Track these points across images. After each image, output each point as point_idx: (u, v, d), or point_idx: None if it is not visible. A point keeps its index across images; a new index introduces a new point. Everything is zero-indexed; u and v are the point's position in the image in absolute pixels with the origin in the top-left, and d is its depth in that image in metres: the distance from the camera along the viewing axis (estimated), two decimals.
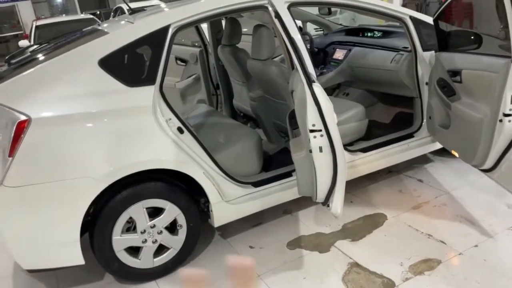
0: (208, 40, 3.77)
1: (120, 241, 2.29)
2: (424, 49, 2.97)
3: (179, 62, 4.24)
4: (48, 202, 2.08)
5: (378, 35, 3.65)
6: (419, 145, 3.14)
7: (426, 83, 3.01)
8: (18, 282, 2.58)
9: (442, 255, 2.39)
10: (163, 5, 2.93)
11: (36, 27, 8.11)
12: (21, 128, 1.99)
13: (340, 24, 4.50)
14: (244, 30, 3.27)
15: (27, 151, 2.01)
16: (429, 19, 2.97)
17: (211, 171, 2.42)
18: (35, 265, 2.20)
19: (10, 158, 1.99)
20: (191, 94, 4.16)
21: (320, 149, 2.07)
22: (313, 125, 2.05)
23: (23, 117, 2.00)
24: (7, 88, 2.08)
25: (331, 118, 2.05)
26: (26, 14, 16.82)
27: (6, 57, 2.60)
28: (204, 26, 3.89)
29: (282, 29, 2.19)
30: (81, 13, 15.95)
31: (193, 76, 4.02)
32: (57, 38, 2.91)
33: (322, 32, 4.56)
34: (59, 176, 2.06)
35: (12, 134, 1.98)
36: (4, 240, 2.11)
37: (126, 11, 9.99)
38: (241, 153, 2.71)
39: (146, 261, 2.38)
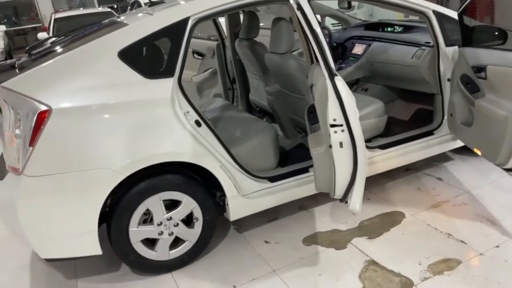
0: (226, 33, 3.75)
1: (136, 232, 2.30)
2: (447, 44, 2.90)
3: (196, 55, 4.23)
4: (66, 192, 2.09)
5: (399, 30, 3.58)
6: (439, 142, 3.08)
7: (448, 79, 2.95)
8: (36, 271, 2.61)
9: (462, 255, 2.34)
10: None
11: (55, 19, 8.20)
12: (41, 118, 2.00)
13: (359, 19, 4.43)
14: (260, 24, 3.24)
15: (47, 141, 2.02)
16: (453, 14, 2.90)
17: (227, 165, 2.41)
18: (53, 255, 2.22)
19: (31, 148, 2.01)
20: (207, 88, 4.16)
21: (341, 144, 2.04)
22: (334, 120, 2.02)
23: (43, 107, 2.01)
24: (28, 79, 2.10)
25: (353, 113, 2.01)
26: (45, 7, 17.01)
27: (27, 48, 2.62)
28: (222, 20, 3.87)
29: (304, 22, 2.15)
30: (99, 6, 16.07)
31: (210, 70, 4.01)
32: (76, 30, 2.92)
33: (340, 27, 4.50)
34: (77, 166, 2.07)
35: (33, 124, 2.00)
36: (23, 229, 2.13)
37: (143, 4, 10.02)
38: (257, 148, 2.69)
39: (162, 253, 2.39)
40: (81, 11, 10.12)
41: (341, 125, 2.02)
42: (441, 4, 9.01)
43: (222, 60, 3.85)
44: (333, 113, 2.02)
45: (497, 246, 2.38)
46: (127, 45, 2.19)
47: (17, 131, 2.05)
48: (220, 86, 3.95)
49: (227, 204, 2.48)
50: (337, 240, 2.59)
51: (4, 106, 2.11)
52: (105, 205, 2.19)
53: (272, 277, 2.34)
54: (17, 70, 2.22)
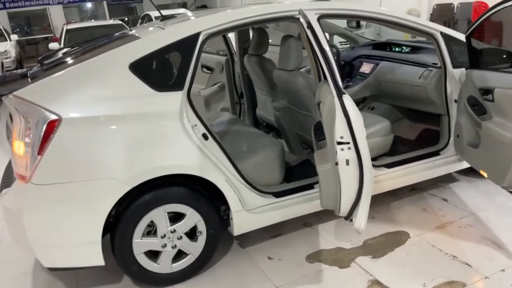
0: (235, 49, 3.80)
1: (140, 244, 2.29)
2: (454, 66, 2.92)
3: (204, 70, 4.28)
4: (72, 201, 2.10)
5: (407, 50, 3.61)
6: (445, 163, 3.07)
7: (455, 101, 2.96)
8: (38, 279, 2.61)
9: (467, 278, 2.31)
10: (189, 13, 2.97)
11: (67, 30, 8.35)
12: (51, 127, 2.02)
13: (367, 38, 4.48)
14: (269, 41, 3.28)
15: (56, 150, 2.04)
16: (461, 36, 2.92)
17: (233, 179, 2.42)
18: (56, 264, 2.21)
19: (39, 156, 2.03)
20: (215, 102, 4.20)
21: (347, 162, 2.04)
22: (341, 138, 2.02)
23: (54, 117, 2.03)
24: (40, 88, 2.13)
25: (361, 131, 2.02)
26: (57, 18, 17.34)
27: (39, 58, 2.67)
28: (231, 35, 3.93)
29: (314, 40, 2.18)
30: (110, 19, 16.34)
31: (218, 84, 4.05)
32: (89, 42, 2.97)
33: (347, 46, 4.55)
34: (84, 176, 2.08)
35: (42, 133, 2.02)
36: (27, 236, 2.13)
37: (153, 18, 10.20)
38: (263, 163, 2.70)
39: (164, 265, 2.38)
40: (93, 23, 10.30)
41: (348, 143, 2.03)
42: (448, 26, 9.10)
43: (230, 74, 3.89)
44: (340, 130, 2.03)
45: (503, 270, 2.35)
46: (138, 57, 2.22)
47: (26, 139, 2.07)
48: (227, 100, 3.98)
49: (231, 219, 2.47)
50: (341, 258, 2.57)
51: (15, 114, 2.14)
52: (109, 215, 2.20)
53: None
54: (29, 80, 2.26)
